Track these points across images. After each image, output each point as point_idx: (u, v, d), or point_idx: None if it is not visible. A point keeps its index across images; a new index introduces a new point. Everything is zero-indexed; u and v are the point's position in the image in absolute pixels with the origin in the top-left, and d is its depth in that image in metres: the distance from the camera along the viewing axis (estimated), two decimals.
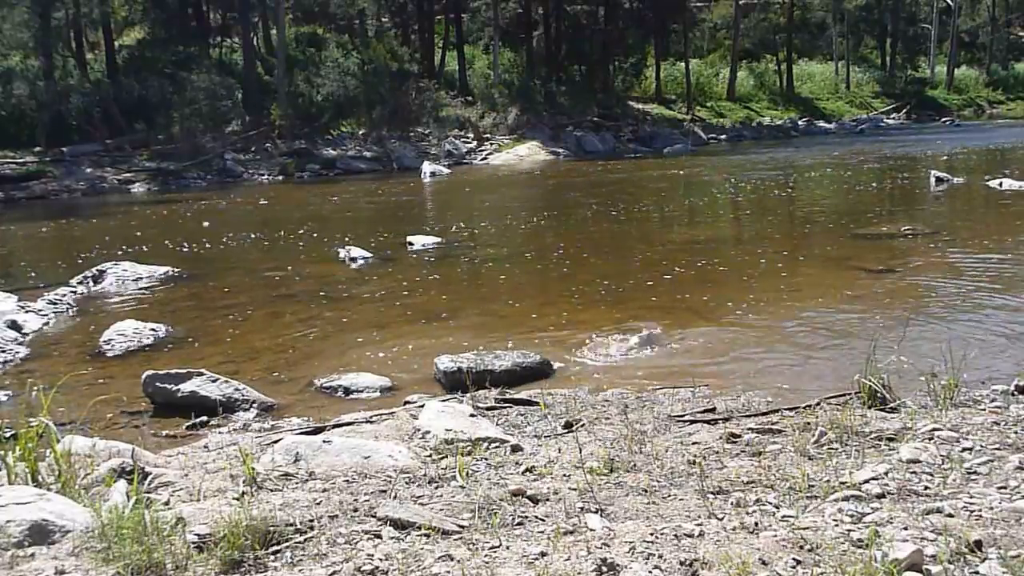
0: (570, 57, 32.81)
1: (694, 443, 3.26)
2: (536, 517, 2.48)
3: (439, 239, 9.63)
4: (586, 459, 3.01)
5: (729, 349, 5.01)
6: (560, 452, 3.16)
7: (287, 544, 2.23)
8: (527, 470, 2.94)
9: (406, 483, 2.77)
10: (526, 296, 6.74)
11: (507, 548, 2.22)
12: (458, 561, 2.13)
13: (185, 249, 10.08)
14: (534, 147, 26.03)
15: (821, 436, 3.20)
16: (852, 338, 5.11)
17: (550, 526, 2.40)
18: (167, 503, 2.62)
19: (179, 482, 2.87)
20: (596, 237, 9.79)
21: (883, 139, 26.08)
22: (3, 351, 5.59)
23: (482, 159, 25.36)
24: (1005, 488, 2.58)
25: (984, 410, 3.55)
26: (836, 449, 3.11)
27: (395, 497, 2.62)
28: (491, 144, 26.75)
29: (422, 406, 4.04)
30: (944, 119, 35.92)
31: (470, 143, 26.60)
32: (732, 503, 2.57)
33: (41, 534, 2.27)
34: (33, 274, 9.14)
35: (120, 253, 9.78)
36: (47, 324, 6.46)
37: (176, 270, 8.41)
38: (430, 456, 3.09)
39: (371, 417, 3.89)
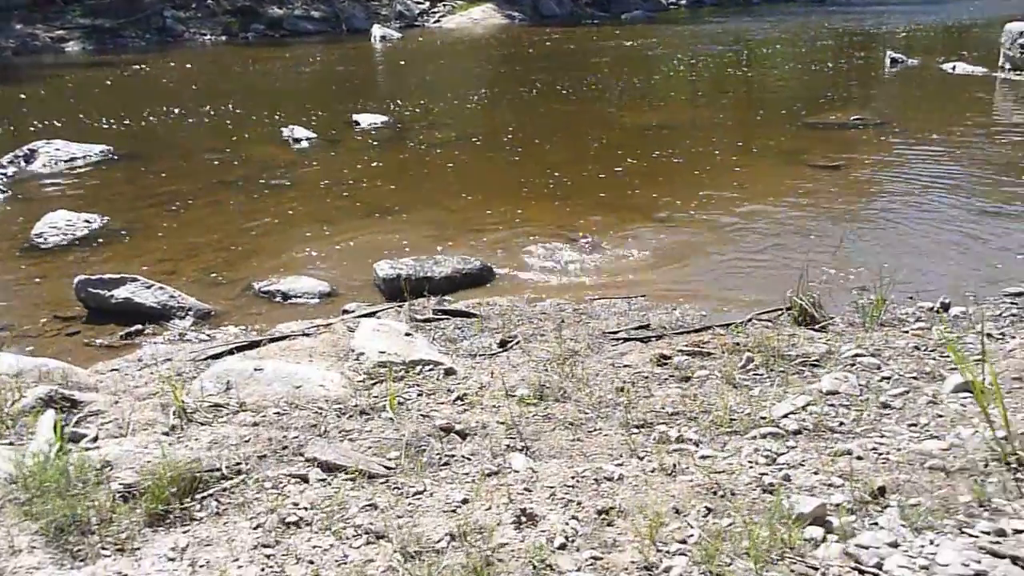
0: None
1: (625, 366, 3.32)
2: (462, 456, 2.53)
3: (386, 118, 9.39)
4: (516, 386, 3.07)
5: (671, 254, 5.04)
6: (492, 376, 3.19)
7: (213, 492, 2.25)
8: (458, 398, 2.98)
9: (337, 415, 2.79)
10: (473, 188, 6.65)
11: (431, 495, 2.27)
12: (381, 511, 2.18)
13: (122, 123, 9.71)
14: (488, 9, 25.15)
15: (748, 362, 3.28)
16: (795, 242, 5.17)
17: (475, 467, 2.46)
18: (95, 439, 2.62)
19: (109, 411, 2.86)
20: (548, 119, 9.62)
21: (843, 11, 25.57)
22: None
23: (435, 22, 24.51)
24: (915, 426, 2.68)
25: (907, 332, 3.65)
26: (762, 375, 3.19)
27: (324, 433, 2.65)
28: (444, 5, 25.78)
29: (361, 317, 4.06)
30: None
31: (422, 3, 25.61)
32: (654, 439, 2.65)
33: None
34: None
35: (57, 125, 9.42)
36: None
37: (112, 149, 8.14)
38: (363, 382, 3.11)
39: (307, 329, 3.88)
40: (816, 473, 2.37)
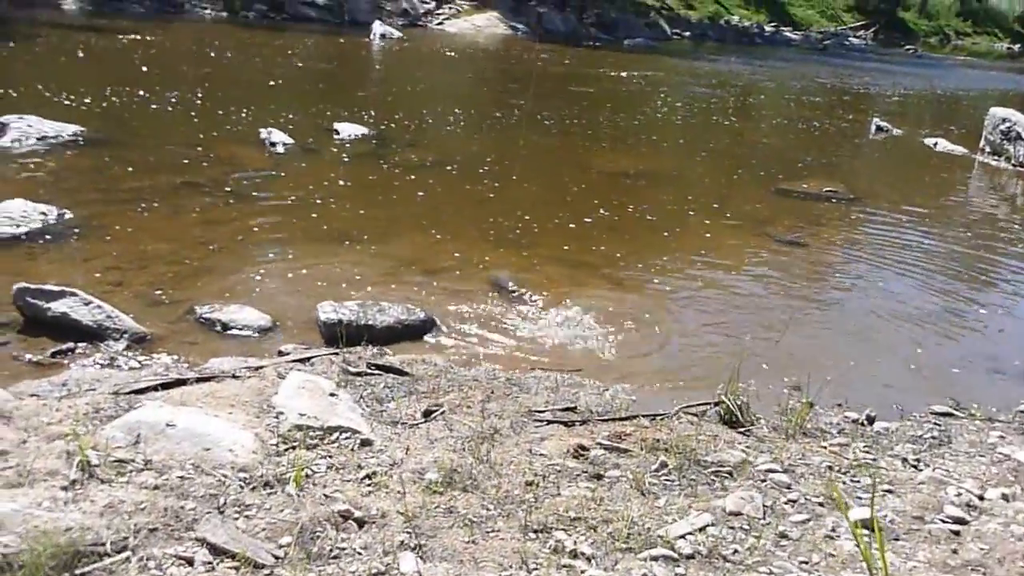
0: None
1: (541, 454, 3.34)
2: (354, 550, 2.54)
3: (366, 130, 9.38)
4: (428, 468, 3.08)
5: (618, 324, 5.07)
6: (408, 453, 3.21)
7: (92, 570, 2.25)
8: (367, 476, 2.99)
9: (240, 485, 2.79)
10: (441, 222, 6.65)
11: None
12: None
13: (101, 100, 9.64)
14: (493, 18, 25.21)
15: (662, 467, 3.32)
16: (741, 323, 5.22)
17: (364, 563, 2.47)
18: None
19: (14, 452, 2.84)
20: (527, 153, 9.65)
21: (841, 62, 25.86)
22: None
23: (438, 24, 24.53)
24: (807, 563, 2.72)
25: (826, 447, 3.70)
26: (672, 482, 3.23)
27: (223, 506, 2.65)
28: (449, 8, 25.80)
29: (294, 362, 4.06)
30: (908, 47, 35.79)
31: (428, 3, 25.60)
32: (550, 547, 2.67)
33: None
34: None
35: (35, 93, 9.33)
36: None
37: (84, 130, 8.08)
38: (276, 446, 3.11)
39: (238, 370, 3.88)
40: None
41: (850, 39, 36.38)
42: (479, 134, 10.45)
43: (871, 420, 4.09)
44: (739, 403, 3.88)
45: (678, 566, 2.64)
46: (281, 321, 4.63)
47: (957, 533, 2.98)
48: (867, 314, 5.68)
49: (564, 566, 2.58)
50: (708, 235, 7.05)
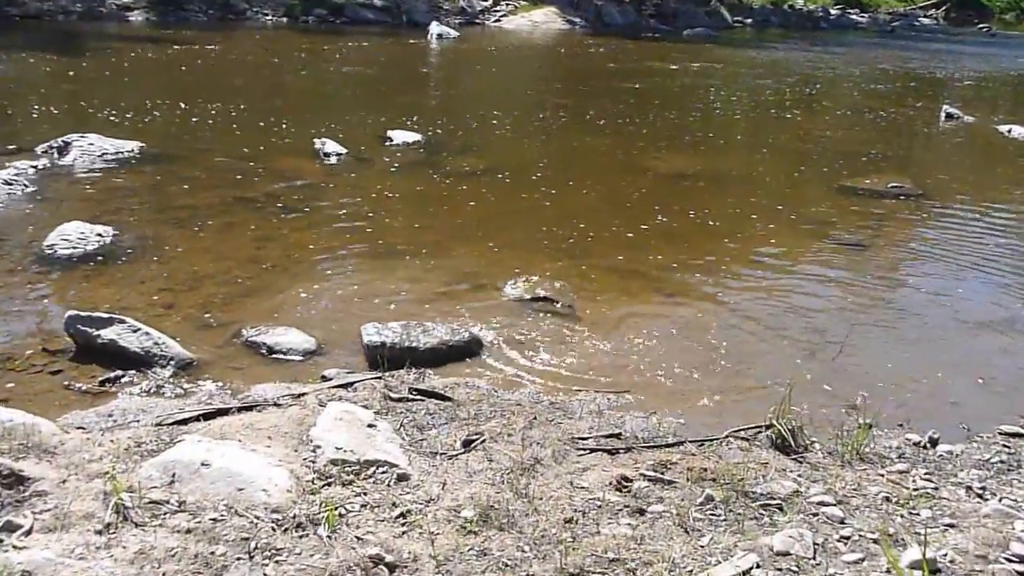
0: None
1: (583, 487, 3.25)
2: None
3: (418, 136, 9.37)
4: (464, 504, 3.02)
5: (670, 341, 4.93)
6: (444, 488, 3.15)
7: None
8: (402, 514, 2.94)
9: (273, 528, 2.77)
10: (492, 233, 6.57)
11: None
12: None
13: (161, 113, 9.84)
14: (551, 13, 25.06)
15: (708, 501, 3.20)
16: (797, 337, 5.03)
17: None
18: (29, 532, 2.63)
19: (53, 493, 2.87)
20: (581, 154, 9.54)
21: (910, 46, 25.00)
22: None
23: (495, 21, 24.49)
24: None
25: (884, 475, 3.53)
26: (718, 516, 3.10)
27: (253, 551, 2.63)
28: (507, 4, 25.73)
29: (337, 388, 4.05)
30: (981, 25, 34.42)
31: (485, 1, 25.57)
32: None
33: None
34: (4, 130, 8.95)
35: (101, 107, 9.57)
36: None
37: (144, 146, 8.25)
38: (312, 482, 3.09)
39: (280, 398, 3.88)
40: None
41: (920, 20, 35.22)
42: (531, 137, 10.36)
43: (934, 442, 3.89)
44: (791, 427, 3.72)
45: None
46: (327, 343, 4.62)
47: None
48: (933, 323, 5.43)
49: None
50: (766, 240, 6.83)
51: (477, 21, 24.08)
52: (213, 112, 10.16)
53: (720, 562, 2.79)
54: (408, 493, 3.10)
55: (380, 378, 4.16)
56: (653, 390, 4.33)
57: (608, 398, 4.17)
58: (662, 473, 3.40)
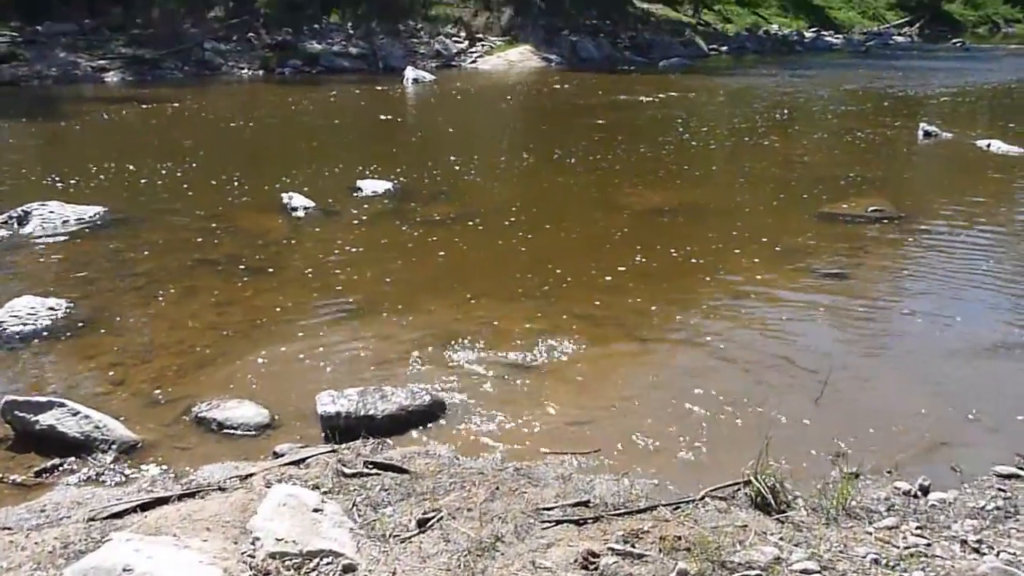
0: None
1: (545, 567, 3.00)
2: None
3: (388, 185, 9.18)
4: None
5: (644, 390, 4.70)
6: None
7: None
8: None
9: None
10: (462, 282, 6.36)
11: None
12: None
13: (129, 175, 9.66)
14: (526, 52, 25.11)
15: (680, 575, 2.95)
16: (775, 381, 4.80)
17: None
18: None
19: None
20: (556, 194, 9.36)
21: (884, 64, 25.06)
22: None
23: (471, 62, 24.50)
24: None
25: (872, 532, 3.29)
26: None
27: None
28: (482, 46, 25.80)
29: (289, 464, 3.81)
30: (955, 40, 34.66)
31: (461, 43, 25.63)
32: None
33: None
34: None
35: (61, 177, 9.39)
36: None
37: (106, 211, 8.05)
38: None
39: (225, 481, 3.63)
40: None
41: (894, 38, 35.44)
42: (503, 180, 10.20)
43: (925, 490, 3.66)
44: (771, 484, 3.49)
45: None
46: (282, 415, 4.38)
47: None
48: (919, 354, 5.22)
49: None
50: (747, 274, 6.61)
51: (453, 63, 24.07)
52: (181, 171, 9.98)
53: None
54: None
55: (334, 451, 3.92)
56: (625, 448, 4.09)
57: (577, 460, 3.94)
58: (632, 545, 3.16)
